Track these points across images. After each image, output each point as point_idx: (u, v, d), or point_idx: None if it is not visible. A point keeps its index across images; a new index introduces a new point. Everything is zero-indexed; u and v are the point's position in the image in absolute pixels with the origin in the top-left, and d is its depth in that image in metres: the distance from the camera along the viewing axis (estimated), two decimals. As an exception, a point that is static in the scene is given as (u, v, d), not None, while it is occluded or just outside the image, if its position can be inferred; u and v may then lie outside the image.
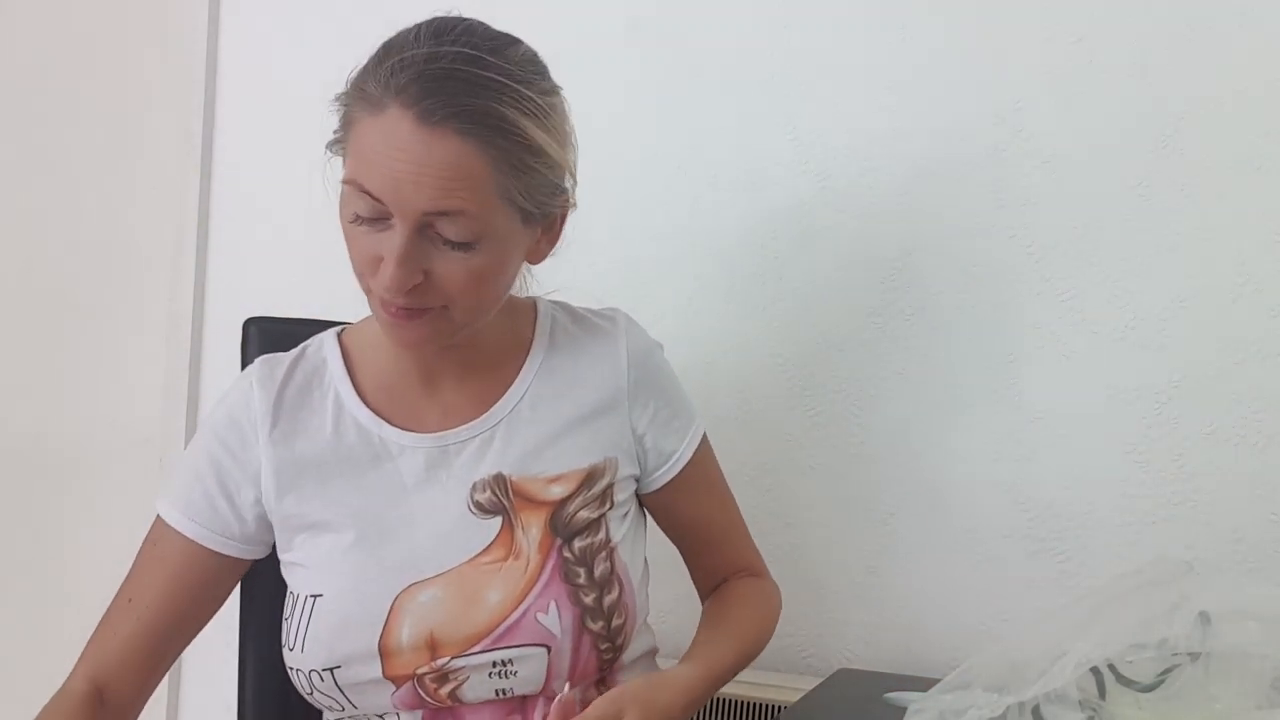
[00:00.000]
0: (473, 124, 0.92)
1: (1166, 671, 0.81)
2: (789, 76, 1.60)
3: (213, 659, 1.79)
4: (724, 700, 1.50)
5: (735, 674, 1.13)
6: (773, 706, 1.49)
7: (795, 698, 1.32)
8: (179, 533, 1.07)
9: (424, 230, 0.95)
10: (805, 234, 1.59)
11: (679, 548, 1.24)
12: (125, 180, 1.97)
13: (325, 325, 1.20)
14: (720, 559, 1.24)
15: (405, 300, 0.98)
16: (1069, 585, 1.48)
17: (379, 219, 0.96)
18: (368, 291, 1.02)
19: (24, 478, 1.98)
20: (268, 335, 1.28)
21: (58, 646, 1.91)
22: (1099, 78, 1.48)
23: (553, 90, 1.01)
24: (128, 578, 1.09)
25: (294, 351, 1.14)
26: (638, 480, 1.17)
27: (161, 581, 1.07)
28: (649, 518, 1.22)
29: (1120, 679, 0.82)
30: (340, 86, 1.90)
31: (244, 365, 1.31)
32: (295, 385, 1.11)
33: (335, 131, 1.02)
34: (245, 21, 1.88)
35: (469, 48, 0.95)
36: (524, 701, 1.07)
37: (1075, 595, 1.49)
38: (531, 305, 1.17)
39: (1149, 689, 0.81)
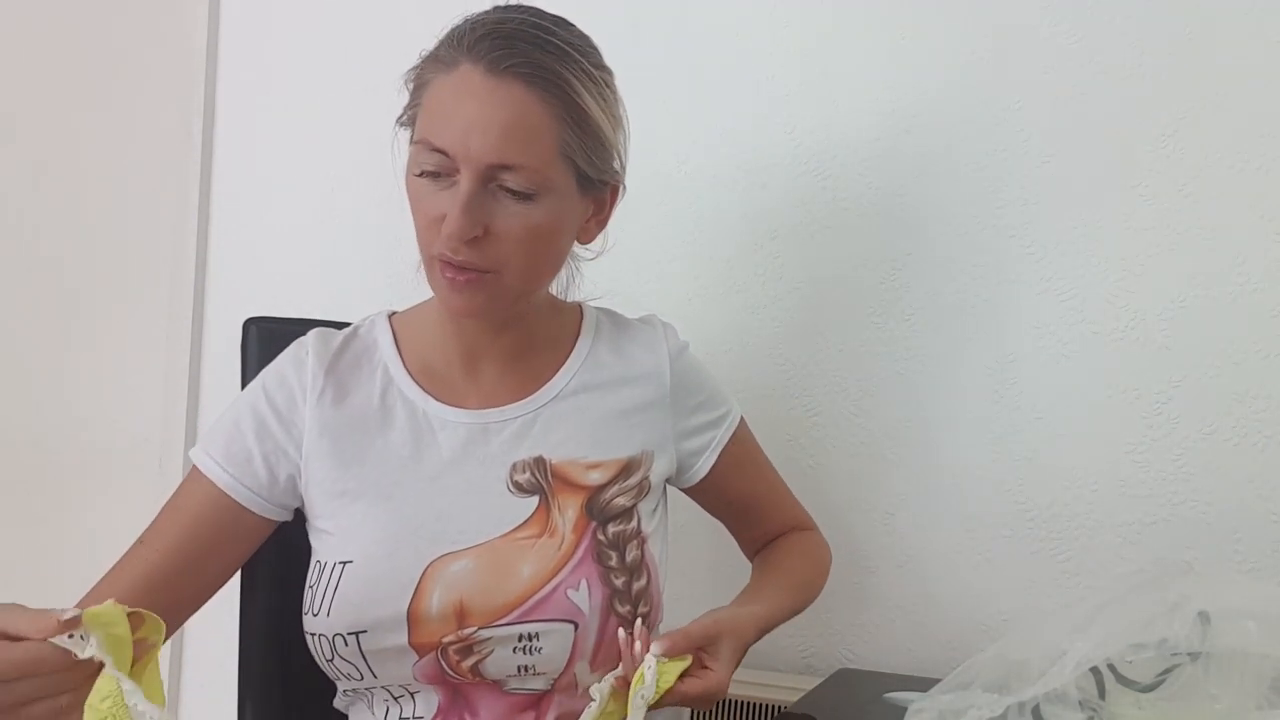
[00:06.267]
0: (538, 76, 0.99)
1: (1166, 671, 0.81)
2: (789, 76, 1.60)
3: (213, 635, 1.79)
4: (724, 700, 1.50)
5: (790, 616, 1.19)
6: (773, 706, 1.49)
7: (795, 698, 1.32)
8: (210, 480, 1.08)
9: (487, 184, 1.00)
10: (805, 234, 1.59)
11: (726, 524, 1.29)
12: (125, 180, 1.97)
13: (325, 325, 1.20)
14: (768, 526, 1.29)
15: (464, 255, 1.01)
16: (1069, 585, 1.48)
17: (445, 174, 1.01)
18: (429, 260, 1.04)
19: (24, 478, 1.98)
20: (268, 335, 1.28)
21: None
22: (1099, 78, 1.48)
23: (607, 69, 1.08)
24: (148, 527, 1.10)
25: (346, 330, 1.17)
26: (669, 480, 1.20)
27: (179, 525, 1.07)
28: (685, 502, 1.26)
29: (1120, 679, 0.82)
30: (338, 86, 1.90)
31: (244, 365, 1.31)
32: (347, 360, 1.14)
33: (407, 106, 1.07)
34: (245, 19, 1.88)
35: (535, 18, 1.04)
36: (539, 699, 1.08)
37: (1075, 595, 1.49)
38: (578, 307, 1.22)
39: (1149, 689, 0.81)
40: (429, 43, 1.06)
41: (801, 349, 1.60)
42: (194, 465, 1.10)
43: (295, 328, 1.23)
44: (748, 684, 1.51)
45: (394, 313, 1.20)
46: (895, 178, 1.56)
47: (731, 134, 1.62)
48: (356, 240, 1.80)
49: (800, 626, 1.58)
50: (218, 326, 1.89)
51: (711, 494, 1.24)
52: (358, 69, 1.81)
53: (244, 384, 1.34)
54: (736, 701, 1.50)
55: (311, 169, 1.84)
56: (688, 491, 1.24)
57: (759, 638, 1.10)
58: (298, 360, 1.13)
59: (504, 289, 1.05)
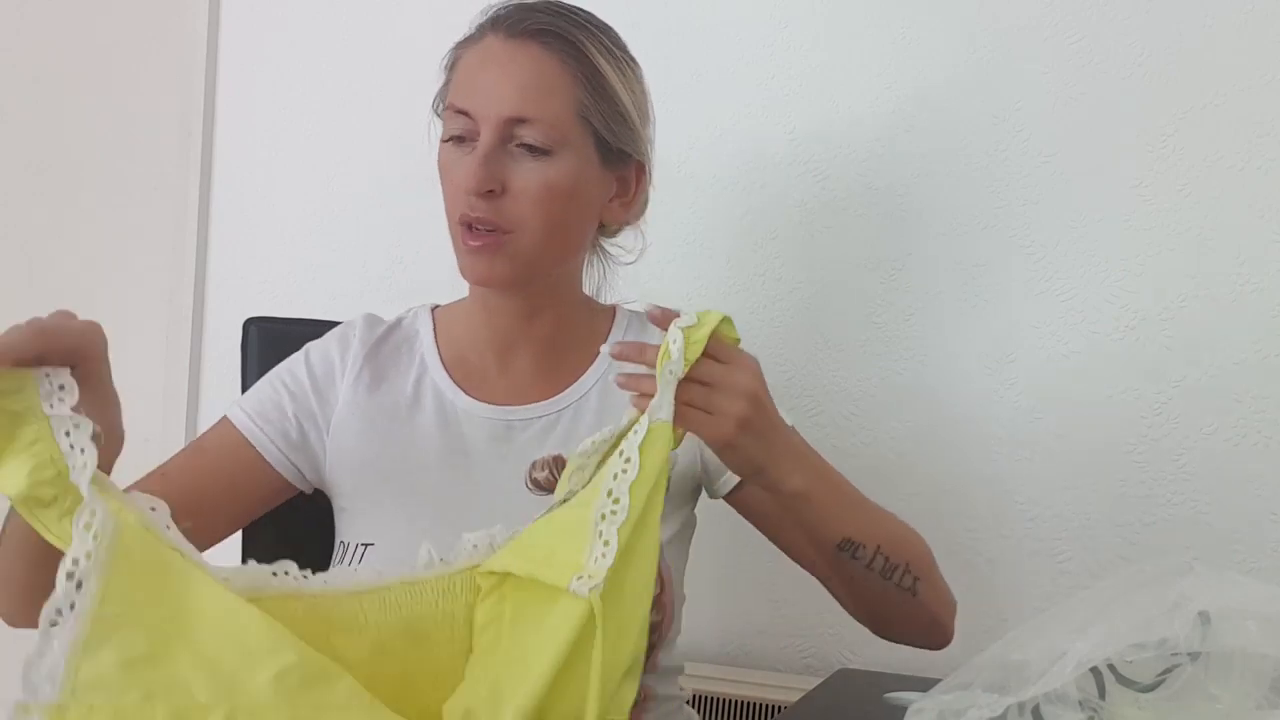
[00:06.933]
0: (554, 36, 1.05)
1: (1166, 671, 0.81)
2: (788, 76, 1.60)
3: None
4: (724, 700, 1.50)
5: (857, 516, 1.05)
6: (773, 706, 1.49)
7: (795, 698, 1.31)
8: (237, 429, 1.10)
9: (506, 142, 1.04)
10: (805, 234, 1.59)
11: (788, 547, 1.18)
12: (125, 180, 1.96)
13: (325, 325, 1.20)
14: None
15: (482, 212, 1.03)
16: (1069, 585, 1.48)
17: (469, 139, 1.05)
18: (453, 228, 1.07)
19: (24, 478, 1.97)
20: (268, 335, 1.28)
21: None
22: (1099, 78, 1.48)
23: (632, 57, 1.12)
24: (167, 461, 1.10)
25: (392, 319, 1.19)
26: (706, 488, 1.17)
27: (198, 465, 1.08)
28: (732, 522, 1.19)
29: (1120, 679, 0.81)
30: (339, 86, 1.90)
31: (244, 365, 1.31)
32: (388, 348, 1.16)
33: (440, 88, 1.13)
34: (245, 20, 1.88)
35: (559, 4, 1.10)
36: None
37: (1075, 595, 1.49)
38: (612, 309, 1.22)
39: (1149, 689, 0.81)
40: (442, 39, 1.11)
41: (801, 349, 1.60)
42: (224, 415, 1.12)
43: (295, 328, 1.23)
44: (748, 684, 1.51)
45: (436, 306, 1.21)
46: (895, 178, 1.55)
47: (731, 134, 1.62)
48: (356, 240, 1.80)
49: (800, 626, 1.58)
50: (218, 326, 1.88)
51: (761, 500, 1.14)
52: (359, 69, 1.80)
53: (244, 384, 1.34)
54: (736, 701, 1.50)
55: (311, 169, 1.84)
56: (737, 505, 1.17)
57: (798, 444, 1.01)
58: (344, 339, 1.15)
59: (521, 252, 1.05)
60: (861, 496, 1.08)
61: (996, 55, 1.52)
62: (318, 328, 1.19)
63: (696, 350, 0.87)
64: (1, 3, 1.99)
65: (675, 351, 0.85)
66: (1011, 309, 1.51)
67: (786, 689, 1.49)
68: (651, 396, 0.85)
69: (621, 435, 0.84)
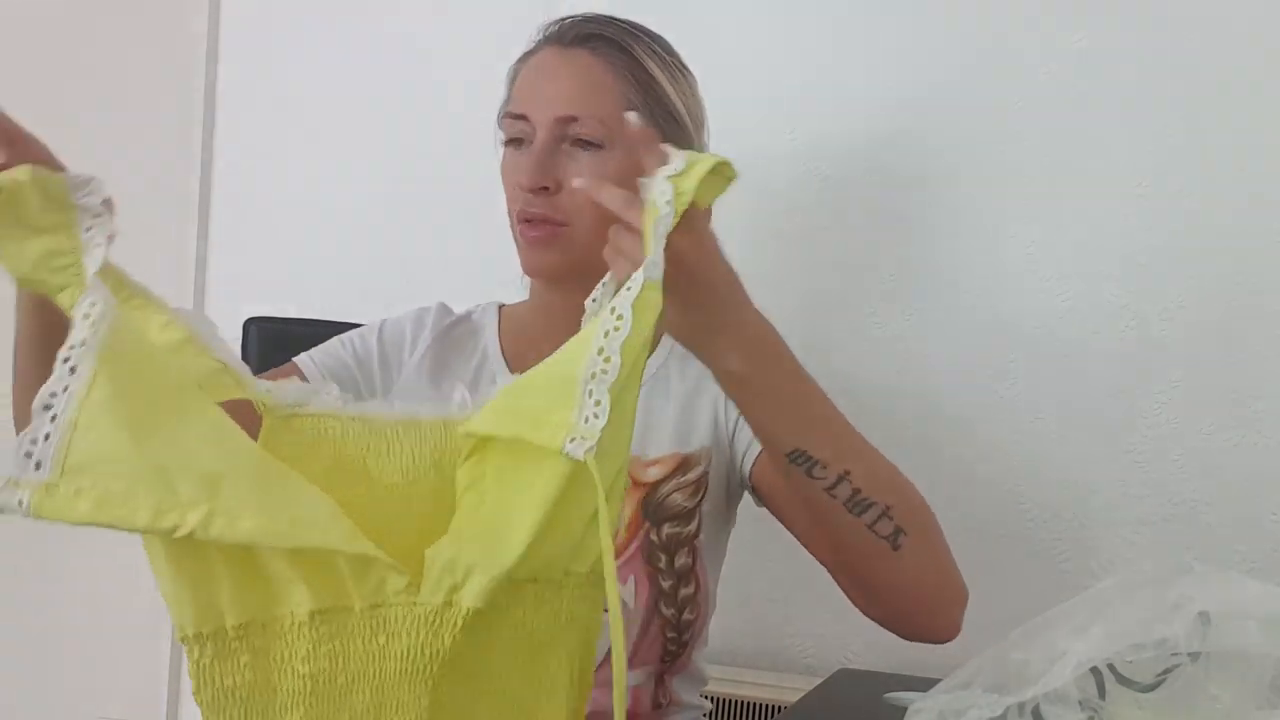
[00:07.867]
0: (605, 44, 1.10)
1: (1166, 671, 0.81)
2: (789, 76, 1.60)
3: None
4: (724, 700, 1.50)
5: (819, 429, 1.02)
6: (773, 706, 1.49)
7: (795, 698, 1.32)
8: (300, 370, 1.13)
9: (560, 141, 1.08)
10: (805, 235, 1.59)
11: (799, 531, 1.15)
12: (125, 180, 1.96)
13: (325, 325, 1.20)
14: None
15: (538, 208, 1.07)
16: (1069, 585, 1.48)
17: (526, 141, 1.09)
18: (513, 225, 1.10)
19: (24, 478, 1.97)
20: (268, 335, 1.28)
21: (56, 648, 1.91)
22: (1099, 78, 1.48)
23: (686, 67, 1.17)
24: None
25: (464, 310, 1.23)
26: (736, 485, 1.15)
27: None
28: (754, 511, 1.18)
29: (1120, 679, 0.81)
30: (338, 86, 1.90)
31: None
32: (454, 337, 1.19)
33: (503, 102, 1.15)
34: (245, 22, 1.88)
35: (611, 16, 1.15)
36: None
37: (1075, 595, 1.49)
38: None
39: (1149, 689, 0.81)
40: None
41: (801, 349, 1.59)
42: (292, 360, 1.14)
43: (295, 328, 1.23)
44: (748, 684, 1.51)
45: (504, 304, 1.23)
46: (895, 178, 1.55)
47: (731, 134, 1.62)
48: (356, 240, 1.80)
49: (800, 626, 1.58)
50: (218, 326, 1.88)
51: (769, 488, 1.13)
52: (359, 69, 1.80)
53: (244, 384, 1.34)
54: (736, 701, 1.50)
55: (311, 169, 1.84)
56: (756, 487, 1.14)
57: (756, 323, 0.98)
58: (419, 320, 1.19)
59: (575, 244, 1.07)
60: (843, 420, 1.01)
61: (996, 55, 1.52)
62: (318, 328, 1.19)
63: (686, 200, 0.81)
64: (2, 3, 1.99)
65: (664, 205, 0.80)
66: (1011, 309, 1.51)
67: (786, 689, 1.49)
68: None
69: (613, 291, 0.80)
